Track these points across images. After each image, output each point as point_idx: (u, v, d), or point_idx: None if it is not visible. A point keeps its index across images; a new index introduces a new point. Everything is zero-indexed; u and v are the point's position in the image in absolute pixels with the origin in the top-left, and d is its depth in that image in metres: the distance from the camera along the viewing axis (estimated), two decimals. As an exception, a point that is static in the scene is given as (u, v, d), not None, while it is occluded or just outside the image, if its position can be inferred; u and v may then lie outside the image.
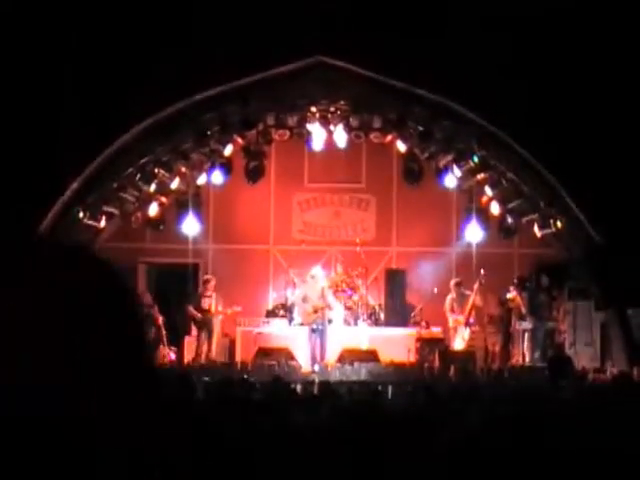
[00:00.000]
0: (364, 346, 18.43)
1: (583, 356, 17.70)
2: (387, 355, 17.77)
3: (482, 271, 18.67)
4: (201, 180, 19.51)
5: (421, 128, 18.15)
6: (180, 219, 19.63)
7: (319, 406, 7.69)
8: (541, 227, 18.50)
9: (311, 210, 21.16)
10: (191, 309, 18.70)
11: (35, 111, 16.47)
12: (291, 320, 19.23)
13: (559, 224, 17.91)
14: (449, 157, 18.47)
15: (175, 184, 19.04)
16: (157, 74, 16.59)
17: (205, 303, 18.61)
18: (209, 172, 19.12)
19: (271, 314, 19.73)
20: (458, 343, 18.72)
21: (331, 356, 17.73)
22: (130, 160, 17.96)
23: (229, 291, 19.05)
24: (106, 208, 18.57)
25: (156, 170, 18.26)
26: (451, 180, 18.93)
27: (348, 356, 17.54)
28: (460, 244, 20.32)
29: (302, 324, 18.39)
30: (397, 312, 19.68)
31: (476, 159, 18.12)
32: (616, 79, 16.47)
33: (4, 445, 1.35)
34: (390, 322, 19.52)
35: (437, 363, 17.70)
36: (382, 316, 19.74)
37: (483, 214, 19.43)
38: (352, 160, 20.40)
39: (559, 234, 18.43)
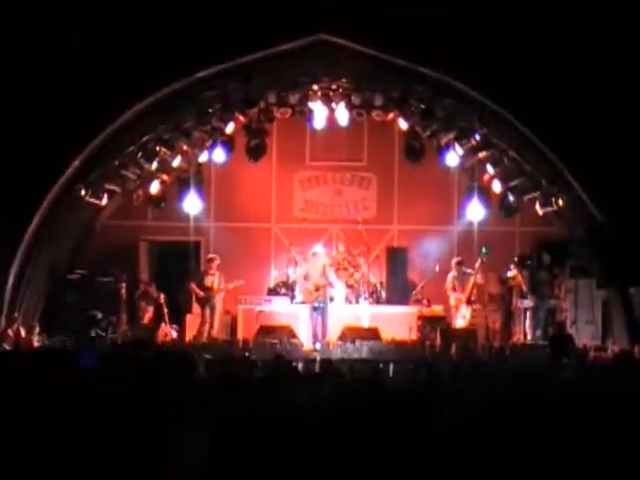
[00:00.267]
0: (365, 324, 18.46)
1: (584, 334, 17.74)
2: (388, 333, 17.79)
3: (483, 249, 18.65)
4: (203, 158, 19.49)
5: (423, 106, 18.10)
6: (182, 197, 19.62)
7: (320, 384, 7.71)
8: (543, 205, 18.48)
9: (313, 188, 21.14)
10: (194, 286, 18.73)
11: (37, 89, 16.45)
12: (293, 298, 19.27)
13: (561, 202, 17.89)
14: (451, 135, 18.43)
15: (177, 162, 19.02)
16: (159, 52, 16.54)
17: (208, 281, 18.64)
18: (211, 150, 19.09)
19: (273, 292, 19.76)
20: (459, 321, 18.76)
21: (332, 334, 17.76)
22: (132, 138, 17.95)
23: (231, 269, 19.06)
24: (108, 186, 18.56)
25: (158, 148, 18.24)
26: (453, 158, 18.88)
27: (349, 334, 17.55)
28: (461, 222, 20.32)
29: (304, 302, 18.42)
30: (398, 290, 19.72)
31: (478, 137, 18.11)
32: (617, 58, 16.43)
33: None
34: (391, 300, 19.55)
35: (438, 341, 17.71)
36: (383, 294, 19.77)
37: (484, 192, 19.42)
38: (354, 138, 20.38)
39: (561, 212, 18.43)
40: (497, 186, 19.01)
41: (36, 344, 16.63)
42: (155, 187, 19.33)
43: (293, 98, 18.56)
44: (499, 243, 19.47)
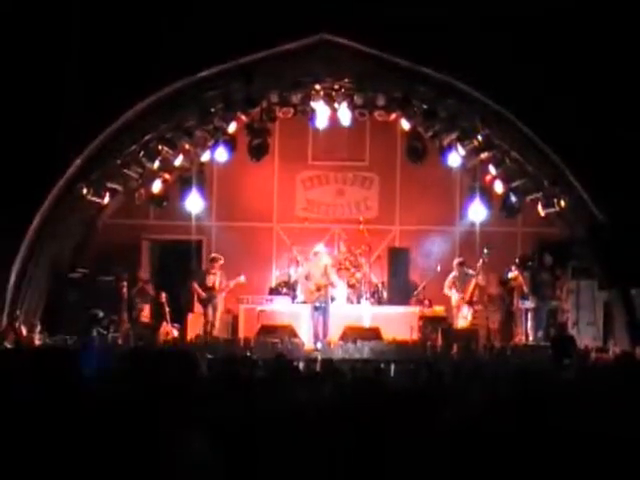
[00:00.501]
0: (367, 324, 18.47)
1: (586, 335, 17.74)
2: (390, 333, 17.79)
3: (485, 250, 18.66)
4: (205, 157, 19.49)
5: (425, 106, 18.10)
6: (183, 196, 19.62)
7: (322, 383, 7.71)
8: (545, 206, 18.47)
9: (314, 188, 21.15)
10: (196, 286, 18.75)
11: (39, 88, 16.46)
12: (294, 298, 19.27)
13: (563, 203, 17.88)
14: (453, 135, 18.42)
15: (179, 161, 19.01)
16: (161, 51, 16.55)
17: (210, 280, 18.66)
18: (213, 149, 19.08)
19: (274, 292, 19.77)
20: (461, 322, 18.76)
21: (334, 334, 17.77)
22: (134, 137, 17.95)
23: (232, 268, 19.06)
24: (110, 185, 18.56)
25: (160, 147, 18.24)
26: (455, 159, 18.88)
27: (351, 334, 17.56)
28: (463, 223, 20.32)
29: (305, 302, 18.43)
30: (400, 290, 19.72)
31: (480, 138, 18.10)
32: (617, 58, 16.43)
33: None
34: (393, 300, 19.56)
35: (440, 341, 17.72)
36: (385, 294, 19.78)
37: (487, 193, 19.42)
38: (356, 138, 20.39)
39: (563, 213, 18.42)
40: (499, 187, 19.00)
41: (37, 342, 16.64)
42: (157, 186, 19.33)
43: (295, 98, 18.55)
44: (501, 244, 19.48)
